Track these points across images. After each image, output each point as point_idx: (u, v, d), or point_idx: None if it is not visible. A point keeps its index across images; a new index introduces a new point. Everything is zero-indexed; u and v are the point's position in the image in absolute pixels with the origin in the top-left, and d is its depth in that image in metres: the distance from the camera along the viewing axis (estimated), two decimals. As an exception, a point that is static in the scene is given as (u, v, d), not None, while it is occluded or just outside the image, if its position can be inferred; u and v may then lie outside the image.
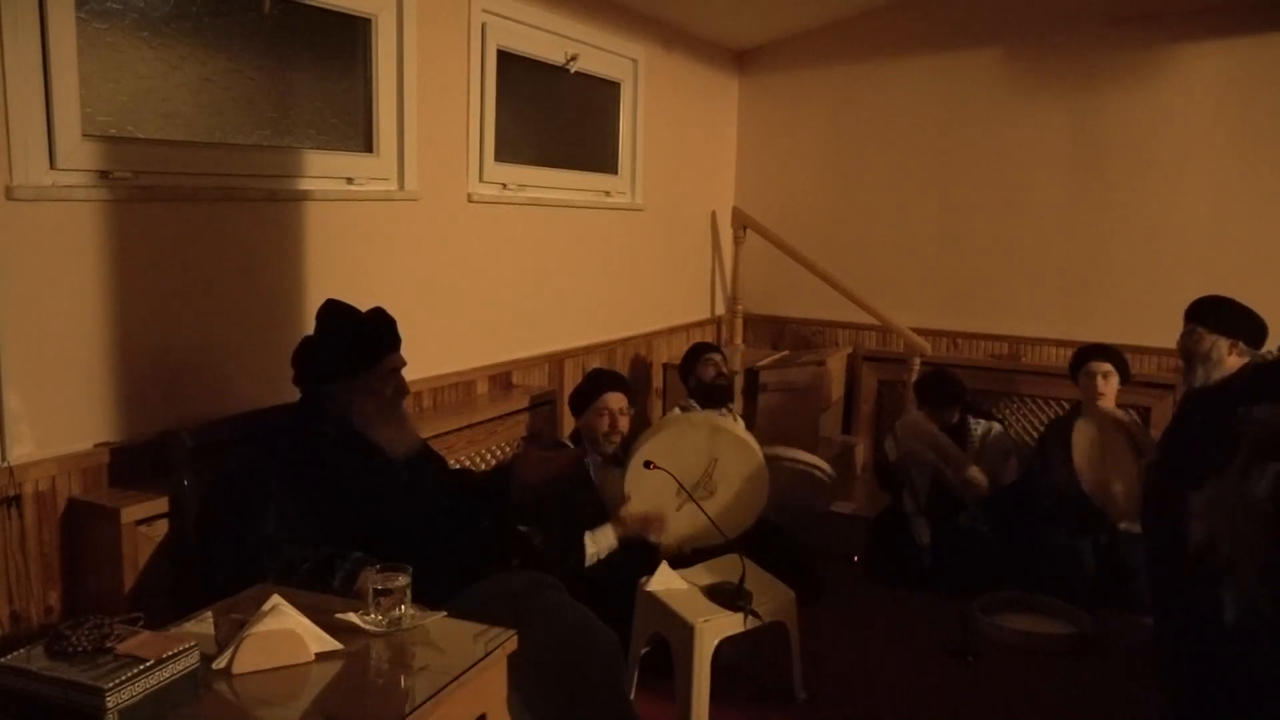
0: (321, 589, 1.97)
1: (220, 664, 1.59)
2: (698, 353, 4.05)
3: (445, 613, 1.84)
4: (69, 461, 2.16)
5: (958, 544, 3.67)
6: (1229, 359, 2.84)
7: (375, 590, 1.78)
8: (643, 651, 2.80)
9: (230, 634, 1.64)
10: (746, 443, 3.10)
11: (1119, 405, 3.63)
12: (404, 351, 2.42)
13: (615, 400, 3.24)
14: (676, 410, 3.91)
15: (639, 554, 2.97)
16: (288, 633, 1.64)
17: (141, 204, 2.28)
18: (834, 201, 5.09)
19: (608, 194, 4.25)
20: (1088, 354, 3.75)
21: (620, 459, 3.22)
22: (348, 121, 2.91)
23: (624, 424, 3.25)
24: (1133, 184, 4.41)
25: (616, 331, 4.34)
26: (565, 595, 2.35)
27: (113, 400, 2.26)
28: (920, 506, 3.80)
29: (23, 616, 2.09)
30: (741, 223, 5.13)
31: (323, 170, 2.78)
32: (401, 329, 2.41)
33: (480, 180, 3.42)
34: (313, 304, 2.44)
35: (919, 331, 4.73)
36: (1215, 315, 2.88)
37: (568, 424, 3.59)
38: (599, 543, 2.96)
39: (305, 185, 2.72)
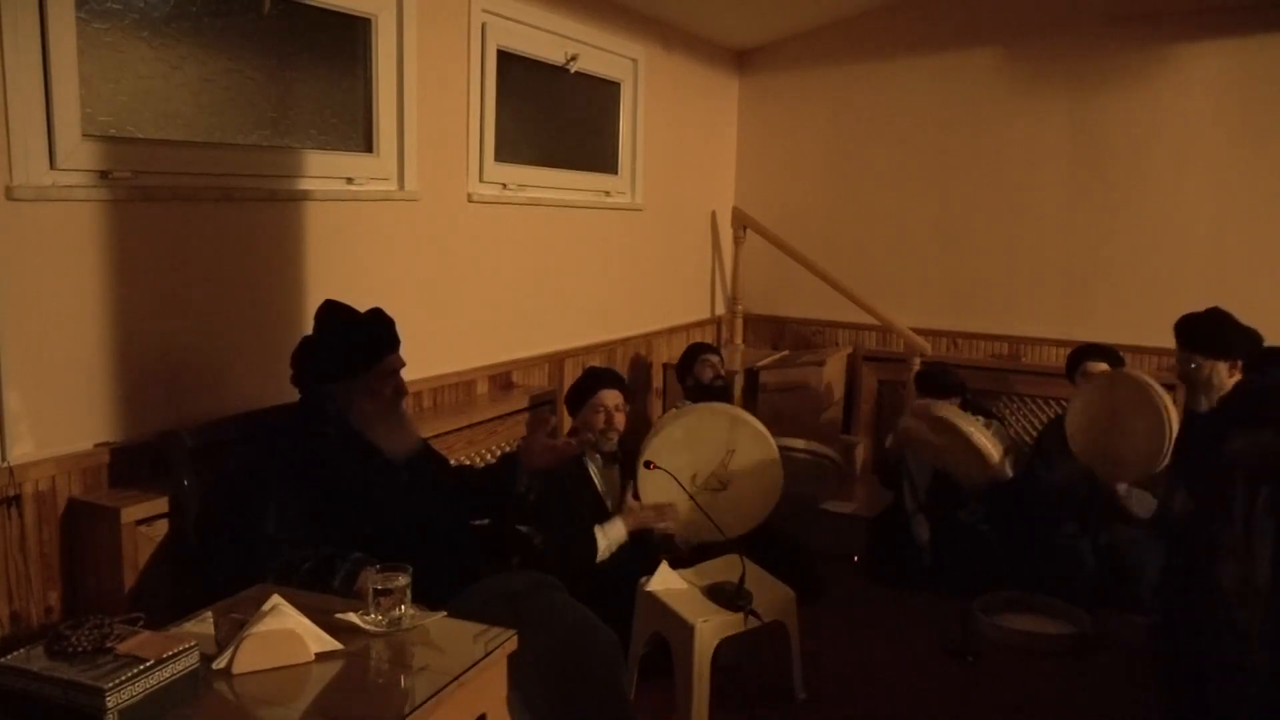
0: (321, 589, 1.97)
1: (220, 664, 1.59)
2: (695, 354, 4.03)
3: (445, 613, 1.85)
4: (69, 461, 2.16)
5: (957, 543, 3.67)
6: (1229, 380, 2.83)
7: (375, 590, 1.78)
8: (643, 651, 2.80)
9: (230, 634, 1.64)
10: (765, 437, 3.11)
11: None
12: (404, 351, 2.42)
13: (611, 397, 3.24)
14: (673, 413, 3.90)
15: (639, 554, 2.97)
16: (288, 633, 1.64)
17: (141, 204, 2.28)
18: (834, 201, 5.09)
19: (608, 194, 4.25)
20: (1084, 354, 3.75)
21: (617, 456, 3.23)
22: (348, 121, 2.91)
23: (620, 420, 3.24)
24: (1133, 184, 4.41)
25: (616, 331, 4.34)
26: (565, 595, 2.35)
27: (113, 400, 2.26)
28: (920, 503, 3.79)
29: (23, 616, 2.09)
30: (741, 223, 5.13)
31: (323, 170, 2.78)
32: (401, 329, 2.41)
33: (480, 180, 3.42)
34: (313, 304, 2.44)
35: (919, 331, 4.73)
36: (1211, 340, 2.86)
37: (566, 424, 3.58)
38: (609, 535, 2.96)
39: (305, 185, 2.72)
